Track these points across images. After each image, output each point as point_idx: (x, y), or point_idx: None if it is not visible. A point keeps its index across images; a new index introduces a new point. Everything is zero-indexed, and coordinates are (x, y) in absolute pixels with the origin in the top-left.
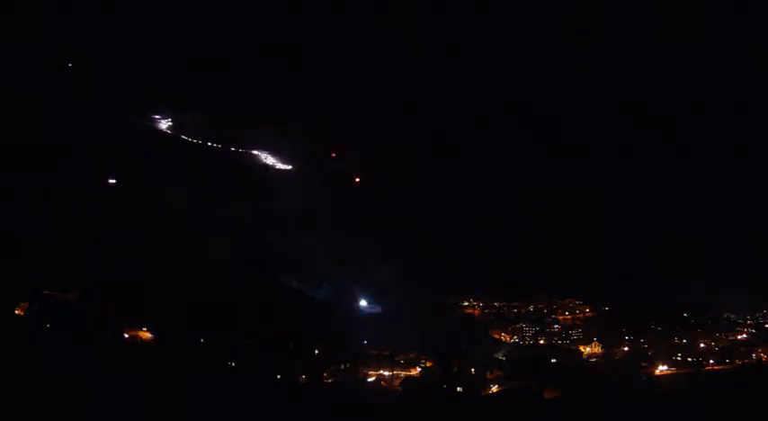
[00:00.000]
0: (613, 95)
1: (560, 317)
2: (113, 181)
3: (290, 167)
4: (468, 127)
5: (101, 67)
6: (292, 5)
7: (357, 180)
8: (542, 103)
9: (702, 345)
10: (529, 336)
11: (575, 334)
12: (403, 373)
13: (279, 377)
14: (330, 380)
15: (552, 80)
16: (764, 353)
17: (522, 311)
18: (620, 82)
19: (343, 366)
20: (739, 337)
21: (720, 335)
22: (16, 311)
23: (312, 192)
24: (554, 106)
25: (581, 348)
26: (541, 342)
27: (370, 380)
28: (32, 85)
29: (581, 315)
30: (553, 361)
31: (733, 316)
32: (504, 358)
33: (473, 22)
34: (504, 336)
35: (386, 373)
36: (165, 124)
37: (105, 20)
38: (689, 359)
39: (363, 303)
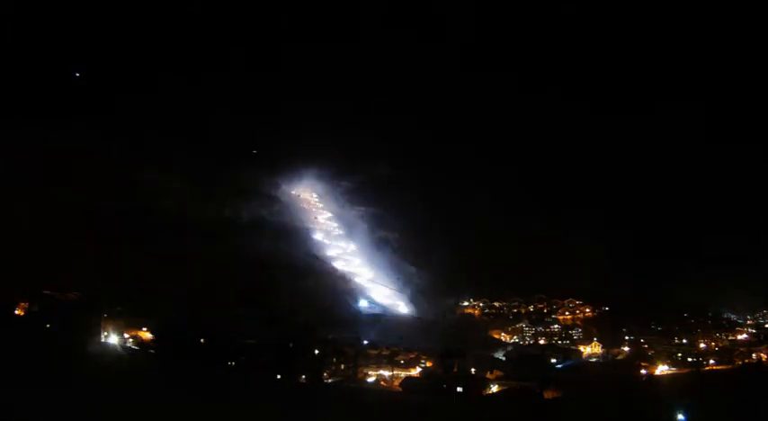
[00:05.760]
0: (613, 94)
1: (560, 318)
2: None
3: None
4: (467, 128)
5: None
6: None
7: None
8: (540, 102)
9: (702, 345)
10: (529, 336)
11: (575, 334)
12: (403, 373)
13: (279, 377)
14: (330, 380)
15: (551, 79)
16: (764, 354)
17: (522, 311)
18: (619, 79)
19: (343, 366)
20: (739, 337)
21: (720, 335)
22: (16, 311)
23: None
24: (551, 106)
25: (581, 348)
26: (541, 342)
27: (370, 380)
28: (33, 82)
29: (581, 315)
30: (553, 361)
31: (733, 316)
32: (504, 358)
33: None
34: (504, 336)
35: (386, 373)
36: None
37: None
38: (689, 359)
39: (363, 303)
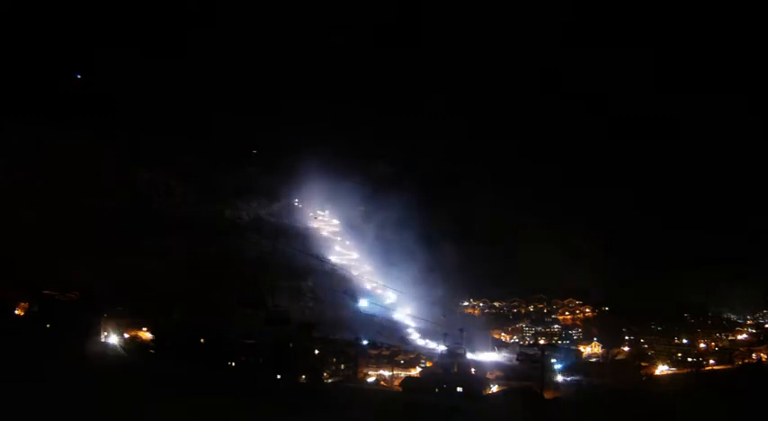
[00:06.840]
0: (612, 95)
1: (560, 318)
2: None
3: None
4: (469, 128)
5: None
6: None
7: None
8: (541, 103)
9: (702, 345)
10: (529, 336)
11: (575, 334)
12: (403, 373)
13: (279, 377)
14: (330, 380)
15: (551, 80)
16: (764, 353)
17: (522, 311)
18: (618, 80)
19: (343, 366)
20: (739, 337)
21: (720, 335)
22: (16, 311)
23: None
24: (552, 106)
25: (581, 348)
26: (541, 342)
27: (370, 380)
28: (33, 82)
29: (581, 315)
30: (553, 361)
31: (733, 316)
32: (504, 358)
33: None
34: (504, 336)
35: (386, 373)
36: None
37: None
38: (689, 359)
39: (364, 303)
